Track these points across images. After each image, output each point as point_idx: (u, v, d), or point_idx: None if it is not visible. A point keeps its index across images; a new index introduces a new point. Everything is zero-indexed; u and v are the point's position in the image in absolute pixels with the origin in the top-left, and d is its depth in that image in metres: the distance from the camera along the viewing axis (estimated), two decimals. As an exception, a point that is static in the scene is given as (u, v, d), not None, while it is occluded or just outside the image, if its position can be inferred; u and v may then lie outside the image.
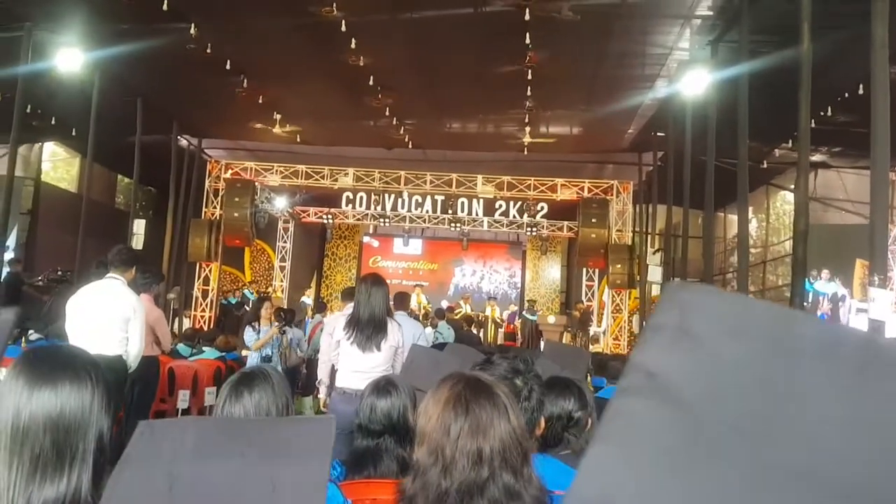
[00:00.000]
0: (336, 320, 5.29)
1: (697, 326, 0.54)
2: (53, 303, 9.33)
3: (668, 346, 0.53)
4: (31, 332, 7.84)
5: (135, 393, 6.44)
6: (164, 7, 9.02)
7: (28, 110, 11.56)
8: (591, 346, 16.70)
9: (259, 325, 8.41)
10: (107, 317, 5.18)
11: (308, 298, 17.61)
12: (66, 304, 5.37)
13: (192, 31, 9.84)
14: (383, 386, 2.75)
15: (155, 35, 10.10)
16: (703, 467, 0.50)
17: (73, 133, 14.54)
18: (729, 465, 0.49)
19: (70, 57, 10.54)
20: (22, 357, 1.47)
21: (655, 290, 14.80)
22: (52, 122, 14.02)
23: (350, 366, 4.72)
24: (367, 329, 4.66)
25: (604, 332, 17.79)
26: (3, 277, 11.27)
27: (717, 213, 15.90)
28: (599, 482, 0.52)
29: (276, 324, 8.56)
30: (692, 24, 9.36)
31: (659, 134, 13.02)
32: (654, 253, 15.29)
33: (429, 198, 18.45)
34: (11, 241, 13.97)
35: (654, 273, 14.34)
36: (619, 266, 16.34)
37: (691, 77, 10.07)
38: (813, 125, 7.16)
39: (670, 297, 0.56)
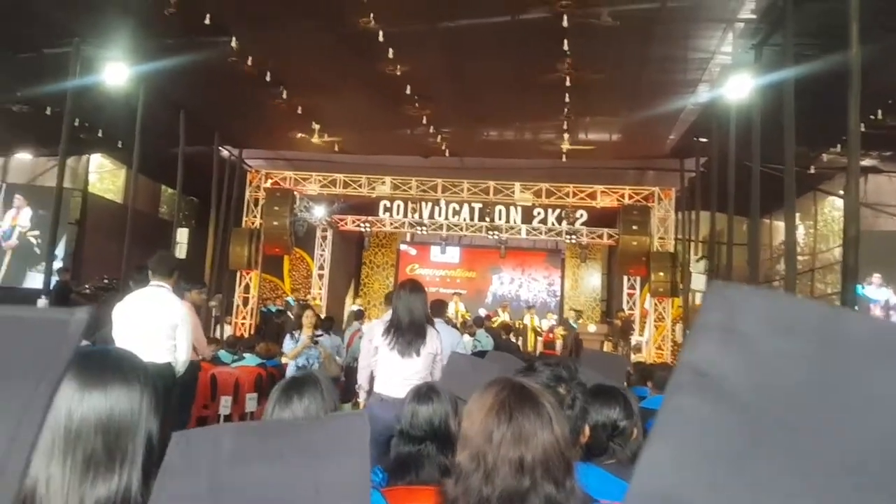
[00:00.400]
0: (375, 326, 5.30)
1: (745, 325, 0.54)
2: (100, 310, 9.50)
3: (716, 344, 0.54)
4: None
5: (176, 395, 6.54)
6: (207, 21, 9.19)
7: (76, 123, 11.84)
8: (633, 356, 16.51)
9: (300, 333, 8.40)
10: (155, 324, 5.25)
11: (357, 306, 17.71)
12: (112, 312, 5.45)
13: (233, 43, 9.99)
14: (425, 392, 2.76)
15: (197, 48, 10.27)
16: (758, 464, 0.50)
17: (119, 145, 14.84)
18: (783, 461, 0.50)
19: (116, 71, 10.77)
20: (73, 360, 1.50)
21: (699, 299, 14.56)
22: (99, 134, 14.33)
23: (388, 372, 4.72)
24: (408, 335, 4.67)
25: (646, 342, 17.57)
26: (52, 286, 11.51)
27: (763, 220, 15.63)
28: (656, 480, 0.52)
29: (310, 333, 8.52)
30: (735, 28, 9.22)
31: (701, 139, 12.85)
32: (697, 260, 15.06)
33: (466, 206, 18.44)
34: (60, 251, 14.29)
35: (698, 281, 14.12)
36: (661, 274, 16.13)
37: (735, 81, 9.93)
38: (862, 129, 6.99)
39: (715, 296, 0.57)
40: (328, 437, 0.89)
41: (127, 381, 1.44)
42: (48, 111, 12.27)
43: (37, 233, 15.31)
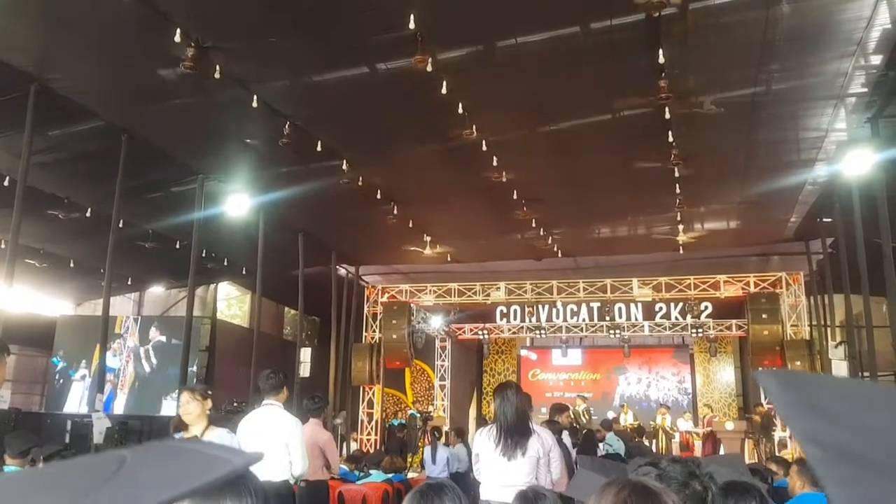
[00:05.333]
0: (478, 435, 5.29)
1: (822, 401, 0.62)
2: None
3: (814, 418, 0.60)
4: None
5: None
6: (318, 148, 9.69)
7: (203, 254, 12.56)
8: (778, 453, 15.42)
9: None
10: (268, 443, 5.32)
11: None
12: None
13: (345, 166, 10.46)
14: (532, 497, 2.74)
15: (311, 174, 10.83)
16: None
17: (244, 272, 15.60)
18: None
19: (238, 202, 11.44)
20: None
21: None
22: (225, 263, 15.12)
23: (494, 476, 4.71)
24: (515, 436, 4.69)
25: (790, 437, 16.38)
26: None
27: (904, 299, 14.55)
28: None
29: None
30: (846, 104, 8.89)
31: (825, 220, 12.27)
32: (836, 346, 14.09)
33: (584, 306, 18.15)
34: (192, 377, 14.89)
35: (839, 368, 13.17)
36: (798, 363, 15.17)
37: (853, 157, 9.50)
38: None
39: (778, 381, 0.64)
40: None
41: (239, 498, 1.47)
42: (177, 245, 13.10)
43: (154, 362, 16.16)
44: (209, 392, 4.77)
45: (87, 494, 0.59)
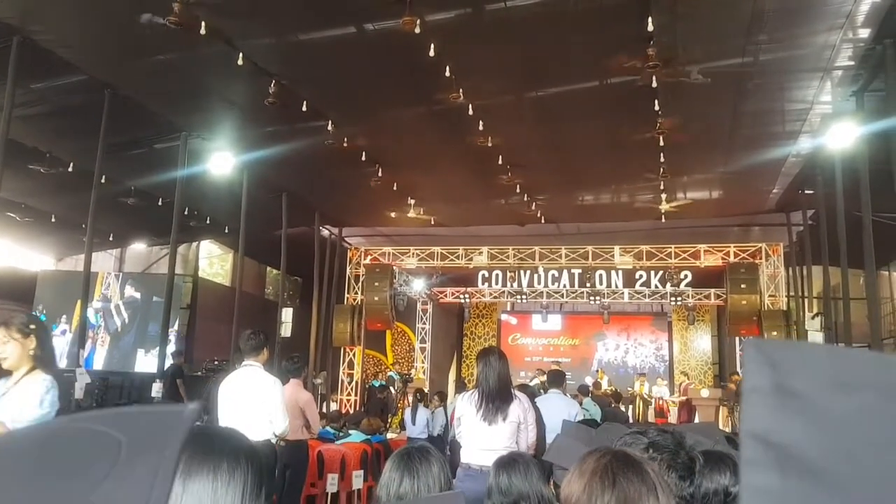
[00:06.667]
0: (459, 399, 5.35)
1: (796, 384, 0.50)
2: (210, 392, 9.79)
3: (773, 409, 0.49)
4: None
5: (286, 477, 6.61)
6: (304, 108, 9.61)
7: (186, 212, 12.48)
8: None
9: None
10: (248, 403, 5.36)
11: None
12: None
13: (330, 127, 10.38)
14: (508, 461, 2.81)
15: (296, 134, 10.75)
16: None
17: (226, 230, 15.53)
18: None
19: (221, 160, 11.35)
20: (188, 439, 1.57)
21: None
22: (207, 221, 15.04)
23: (475, 440, 4.76)
24: (496, 401, 4.73)
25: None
26: (165, 370, 11.95)
27: (881, 272, 14.77)
28: None
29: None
30: (832, 77, 8.92)
31: (807, 192, 12.38)
32: (812, 317, 14.32)
33: (565, 272, 18.23)
34: (173, 335, 14.89)
35: (815, 339, 13.39)
36: (774, 333, 15.41)
37: (837, 130, 9.57)
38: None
39: (757, 355, 0.52)
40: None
41: (236, 460, 1.46)
42: (160, 202, 13.00)
43: (125, 317, 16.11)
44: (32, 327, 3.69)
45: (92, 491, 0.55)
